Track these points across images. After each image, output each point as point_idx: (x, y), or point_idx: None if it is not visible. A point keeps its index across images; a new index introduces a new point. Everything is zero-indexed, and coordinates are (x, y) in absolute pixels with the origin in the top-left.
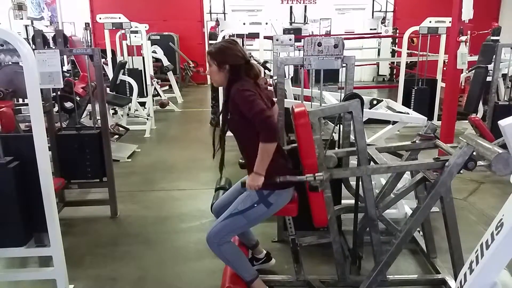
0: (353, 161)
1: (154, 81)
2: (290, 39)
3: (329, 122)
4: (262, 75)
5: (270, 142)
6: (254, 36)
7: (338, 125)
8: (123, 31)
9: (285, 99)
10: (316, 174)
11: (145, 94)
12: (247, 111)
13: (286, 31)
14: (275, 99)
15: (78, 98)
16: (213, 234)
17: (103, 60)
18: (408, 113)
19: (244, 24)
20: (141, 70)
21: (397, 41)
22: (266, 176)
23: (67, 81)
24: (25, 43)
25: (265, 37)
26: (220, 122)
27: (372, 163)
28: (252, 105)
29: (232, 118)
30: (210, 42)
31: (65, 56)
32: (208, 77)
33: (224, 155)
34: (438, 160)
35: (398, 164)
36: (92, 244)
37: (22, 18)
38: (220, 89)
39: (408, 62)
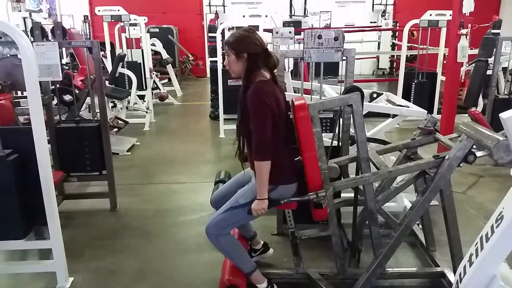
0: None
1: (153, 74)
2: (290, 32)
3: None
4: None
5: (263, 161)
6: (253, 29)
7: (338, 119)
8: (122, 24)
9: (285, 92)
10: (318, 192)
11: (144, 87)
12: (252, 119)
13: (286, 24)
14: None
15: (77, 91)
16: (212, 226)
17: (102, 53)
18: (408, 107)
19: (243, 16)
20: (140, 63)
21: (397, 34)
22: (270, 177)
23: (66, 73)
24: (23, 36)
25: (264, 30)
26: (219, 114)
27: (371, 165)
28: (260, 119)
29: (245, 110)
30: (210, 34)
31: (63, 49)
32: (208, 67)
33: (243, 147)
34: (438, 158)
35: (399, 167)
36: (91, 236)
37: (20, 10)
38: (220, 83)
39: (408, 56)
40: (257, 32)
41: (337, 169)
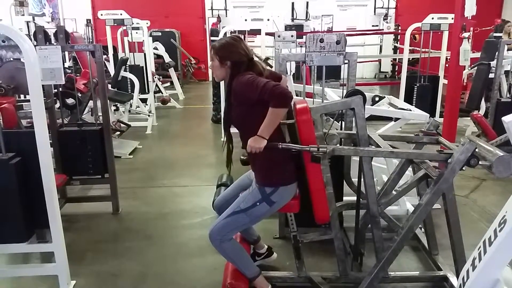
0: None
1: (155, 77)
2: (292, 36)
3: (330, 118)
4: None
5: (281, 108)
6: (255, 32)
7: (340, 122)
8: (124, 28)
9: None
10: (319, 146)
11: (147, 91)
12: (253, 91)
13: (288, 28)
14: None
15: (79, 95)
16: (215, 231)
17: (104, 56)
18: (410, 110)
19: (245, 20)
20: (143, 67)
21: (399, 38)
22: (268, 174)
23: (68, 77)
24: (26, 39)
25: (266, 34)
26: (223, 118)
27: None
28: (256, 83)
29: (235, 109)
30: (212, 38)
31: (66, 53)
32: (210, 70)
33: (231, 152)
34: (442, 153)
35: (402, 150)
36: (93, 240)
37: (23, 15)
38: (222, 86)
39: (410, 59)
40: (244, 40)
41: (337, 137)
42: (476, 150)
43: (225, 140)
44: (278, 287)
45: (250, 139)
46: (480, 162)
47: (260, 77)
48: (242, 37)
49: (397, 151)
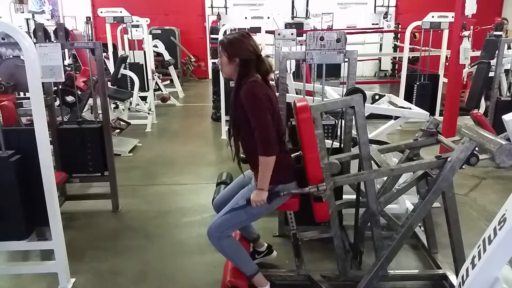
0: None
1: (155, 75)
2: (292, 34)
3: (330, 117)
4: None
5: (268, 156)
6: (255, 30)
7: (340, 120)
8: (124, 25)
9: (287, 94)
10: (319, 185)
11: (146, 89)
12: (251, 117)
13: (288, 26)
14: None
15: (79, 92)
16: (214, 228)
17: (104, 54)
18: (410, 108)
19: (245, 18)
20: (142, 65)
21: (399, 36)
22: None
23: (68, 75)
24: (26, 37)
25: (266, 32)
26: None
27: (373, 163)
28: (259, 116)
29: (237, 111)
30: (212, 36)
31: (66, 50)
32: (210, 69)
33: (239, 150)
34: (440, 158)
35: (401, 166)
36: (93, 238)
37: (23, 12)
38: (222, 84)
39: (410, 57)
40: (252, 37)
41: (338, 164)
42: (476, 148)
43: (229, 137)
44: (278, 285)
45: (252, 195)
46: (482, 156)
47: (267, 111)
48: None
49: (397, 168)
